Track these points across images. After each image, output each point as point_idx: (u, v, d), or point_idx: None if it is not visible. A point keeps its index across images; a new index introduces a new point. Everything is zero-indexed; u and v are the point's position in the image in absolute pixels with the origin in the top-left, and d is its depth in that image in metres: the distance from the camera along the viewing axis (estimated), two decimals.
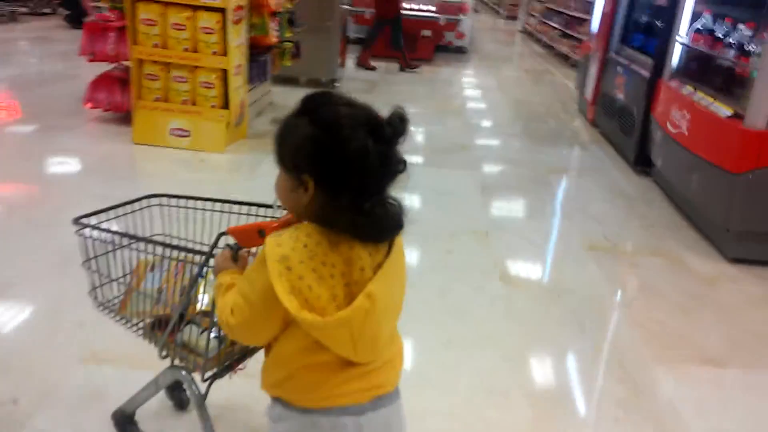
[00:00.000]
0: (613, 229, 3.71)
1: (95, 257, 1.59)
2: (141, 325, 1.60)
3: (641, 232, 3.70)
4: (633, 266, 3.28)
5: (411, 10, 9.31)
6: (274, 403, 1.20)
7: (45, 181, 3.80)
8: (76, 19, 9.70)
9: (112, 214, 1.62)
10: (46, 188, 3.66)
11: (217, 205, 1.67)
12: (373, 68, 8.33)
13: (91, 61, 4.76)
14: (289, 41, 5.61)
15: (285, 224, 1.19)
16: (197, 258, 1.44)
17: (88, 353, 2.17)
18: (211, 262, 1.34)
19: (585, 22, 9.86)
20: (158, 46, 4.34)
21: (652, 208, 4.11)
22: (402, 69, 8.44)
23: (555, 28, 11.50)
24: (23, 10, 10.67)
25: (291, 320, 1.10)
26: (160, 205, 1.67)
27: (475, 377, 2.25)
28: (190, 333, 1.49)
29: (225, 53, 4.34)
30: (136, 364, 2.04)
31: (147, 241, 1.52)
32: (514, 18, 17.70)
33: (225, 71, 4.41)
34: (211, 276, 1.37)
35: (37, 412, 1.91)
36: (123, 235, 1.56)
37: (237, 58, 4.47)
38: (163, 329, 1.51)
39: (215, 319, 1.27)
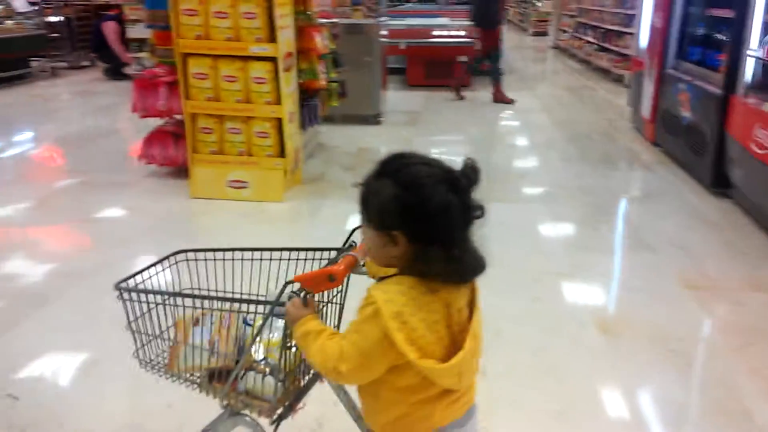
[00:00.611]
0: (704, 260, 3.48)
1: (138, 318, 1.59)
2: (195, 378, 1.59)
3: (735, 264, 3.45)
4: (738, 305, 3.04)
5: (444, 37, 9.22)
6: None
7: (106, 243, 3.72)
8: (114, 72, 9.89)
9: (146, 274, 1.63)
10: (107, 251, 3.57)
11: (245, 254, 1.68)
12: (511, 101, 8.17)
13: (144, 117, 4.74)
14: (335, 81, 5.54)
15: (350, 266, 1.42)
16: (244, 307, 1.49)
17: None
18: (279, 309, 1.39)
19: (623, 35, 9.66)
20: (211, 99, 4.29)
21: (739, 233, 3.86)
22: (497, 101, 8.26)
23: (590, 42, 11.30)
24: (63, 64, 10.92)
25: (398, 365, 1.22)
26: (186, 260, 1.71)
27: None
28: (254, 380, 1.51)
29: (278, 101, 4.27)
30: None
31: (197, 297, 1.56)
32: (541, 34, 17.53)
33: (279, 119, 4.33)
34: (259, 322, 1.45)
35: None
36: (169, 294, 1.57)
37: (290, 105, 4.40)
38: (221, 380, 1.54)
39: (273, 363, 1.46)
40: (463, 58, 8.97)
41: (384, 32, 6.98)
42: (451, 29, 9.20)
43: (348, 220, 4.11)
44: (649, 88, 5.80)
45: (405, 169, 1.22)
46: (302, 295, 1.36)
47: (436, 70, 9.16)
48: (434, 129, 6.79)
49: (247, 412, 1.56)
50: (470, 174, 1.24)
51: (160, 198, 4.44)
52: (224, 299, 1.53)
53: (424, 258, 1.20)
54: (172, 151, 4.71)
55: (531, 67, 12.25)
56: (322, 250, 1.65)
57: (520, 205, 4.44)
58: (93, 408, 2.21)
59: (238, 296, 1.59)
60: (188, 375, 1.59)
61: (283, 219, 4.16)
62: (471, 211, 1.23)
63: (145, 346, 1.63)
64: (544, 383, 2.42)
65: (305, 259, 1.66)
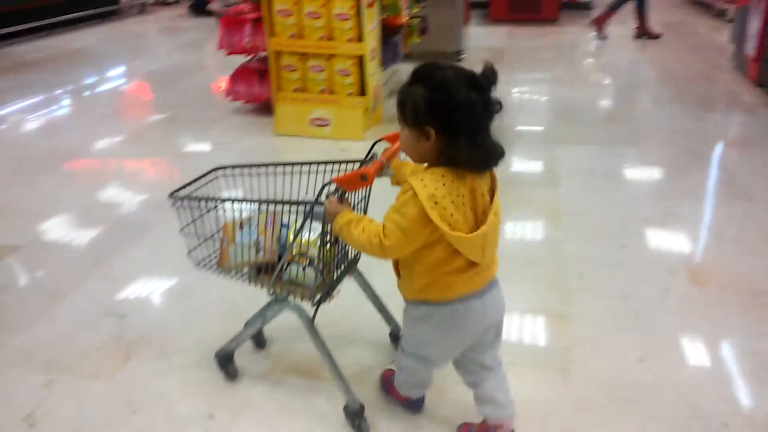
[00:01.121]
0: None
1: (190, 223, 1.87)
2: (244, 272, 1.87)
3: None
4: None
5: None
6: (417, 306, 1.64)
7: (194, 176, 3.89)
8: (199, 8, 10.04)
9: (193, 187, 1.89)
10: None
11: (277, 168, 1.90)
12: (604, 37, 7.73)
13: (230, 54, 4.82)
14: (416, 17, 5.42)
15: (379, 169, 1.68)
16: (286, 208, 1.76)
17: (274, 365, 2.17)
18: (317, 208, 1.64)
19: None
20: (294, 36, 4.30)
21: None
22: (640, 36, 7.75)
23: None
24: (150, 0, 11.18)
25: (431, 241, 1.50)
26: (225, 175, 1.95)
27: (679, 400, 2.03)
28: (296, 270, 1.80)
29: (360, 39, 4.23)
30: (314, 375, 2.02)
31: (248, 200, 1.81)
32: None
33: (360, 57, 4.31)
34: (299, 222, 1.73)
35: (233, 425, 1.93)
36: (216, 200, 1.84)
37: (372, 42, 4.35)
38: (267, 273, 1.82)
39: (311, 256, 1.75)
40: None
41: None
42: None
43: None
44: (755, 23, 5.35)
45: (434, 73, 1.46)
46: (339, 193, 1.62)
47: (520, 4, 8.77)
48: (518, 67, 6.56)
49: (290, 298, 1.85)
50: (489, 75, 1.45)
51: (245, 134, 4.57)
52: (268, 201, 1.77)
53: (451, 148, 1.45)
54: (257, 88, 4.80)
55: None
56: (346, 162, 1.89)
57: (607, 148, 4.27)
58: (189, 329, 2.37)
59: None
60: (237, 270, 1.87)
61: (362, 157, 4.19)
62: (491, 107, 1.45)
63: (198, 248, 1.91)
64: (628, 330, 2.38)
65: (332, 171, 1.86)
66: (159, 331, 2.36)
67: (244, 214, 1.84)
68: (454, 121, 1.43)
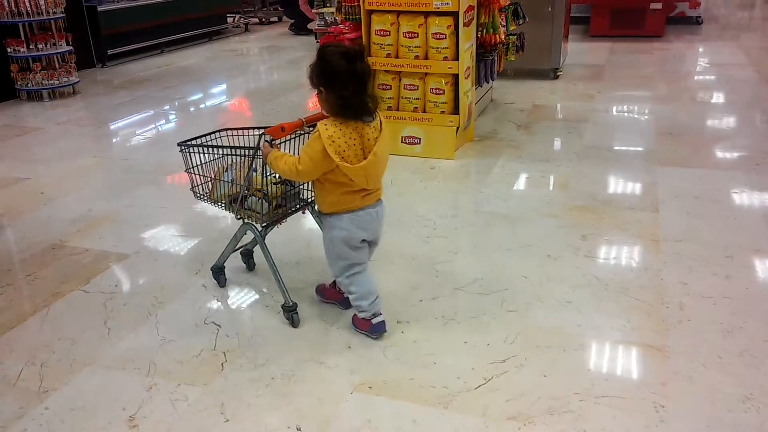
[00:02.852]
0: None
1: (194, 166, 2.66)
2: (223, 202, 2.63)
3: None
4: None
5: None
6: (329, 216, 2.34)
7: None
8: (299, 27, 10.41)
9: (199, 141, 2.64)
10: None
11: (256, 131, 2.45)
12: None
13: None
14: (513, 34, 5.37)
15: (296, 125, 2.42)
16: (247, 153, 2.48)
17: (358, 382, 2.20)
18: (259, 153, 2.38)
19: None
20: (390, 55, 4.37)
21: None
22: None
23: None
24: (254, 20, 11.73)
25: (332, 169, 2.19)
26: (227, 135, 2.65)
27: None
28: (253, 201, 2.52)
29: (455, 57, 4.24)
30: (409, 396, 2.03)
31: (221, 147, 2.56)
32: None
33: (455, 76, 4.31)
34: (258, 162, 2.42)
35: None
36: (210, 146, 2.61)
37: (466, 60, 4.35)
38: (235, 202, 2.55)
39: (266, 190, 2.49)
40: (657, 6, 8.20)
41: None
42: None
43: (519, 181, 4.03)
44: None
45: (322, 49, 2.18)
46: (269, 139, 2.35)
47: (623, 19, 8.49)
48: (619, 84, 6.35)
49: (250, 221, 2.56)
50: (358, 50, 2.14)
51: None
52: (231, 147, 2.51)
53: (339, 102, 2.14)
54: None
55: (736, 17, 10.87)
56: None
57: (713, 171, 4.04)
58: (280, 342, 2.45)
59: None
60: (220, 202, 2.62)
61: (452, 177, 4.18)
62: (357, 74, 2.11)
63: (198, 186, 2.68)
64: (731, 367, 2.23)
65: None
66: (252, 342, 2.45)
67: (230, 160, 2.55)
68: (331, 83, 2.13)
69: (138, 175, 4.30)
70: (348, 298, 2.58)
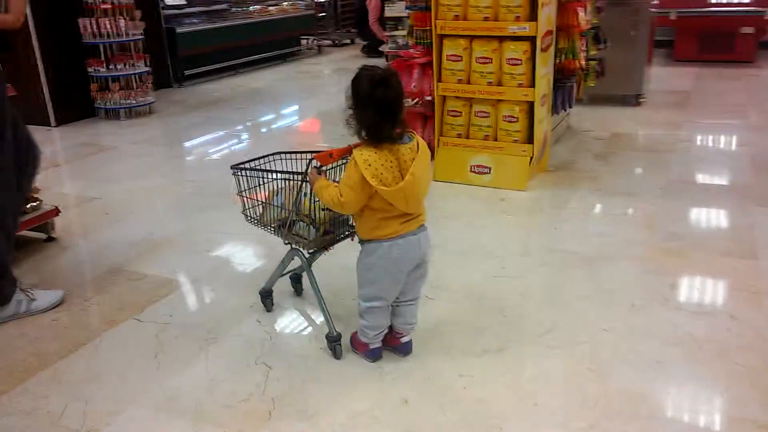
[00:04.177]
0: None
1: (244, 189, 2.60)
2: (273, 227, 2.55)
3: None
4: None
5: (726, 6, 7.94)
6: (368, 243, 2.23)
7: None
8: (371, 49, 10.39)
9: (253, 164, 2.59)
10: None
11: (309, 155, 2.35)
12: None
13: None
14: (593, 59, 5.08)
15: (344, 152, 2.25)
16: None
17: None
18: (307, 179, 2.32)
19: None
20: (462, 81, 4.19)
21: None
22: None
23: None
24: (327, 42, 11.83)
25: (372, 195, 2.11)
26: (281, 159, 2.60)
27: None
28: (301, 227, 2.46)
29: (531, 84, 4.01)
30: None
31: (271, 171, 2.51)
32: None
33: (530, 103, 4.07)
34: (307, 188, 2.35)
35: None
36: (261, 170, 2.55)
37: (543, 87, 4.11)
38: (284, 227, 2.48)
39: (314, 215, 2.40)
40: (749, 30, 7.68)
41: (654, 1, 6.20)
42: None
43: (597, 217, 3.74)
44: None
45: (357, 72, 2.14)
46: (317, 165, 2.29)
47: (711, 43, 8.00)
48: (707, 112, 5.93)
49: (298, 247, 2.52)
50: (384, 77, 2.08)
51: None
52: (281, 171, 2.46)
53: (356, 125, 2.12)
54: (420, 132, 4.74)
55: None
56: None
57: None
58: (332, 390, 2.27)
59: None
60: (270, 226, 2.55)
61: (523, 210, 3.93)
62: (379, 101, 2.05)
63: (249, 209, 2.62)
64: None
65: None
66: (303, 388, 2.28)
67: (281, 185, 2.48)
68: (356, 106, 2.11)
69: (204, 198, 4.26)
70: (408, 344, 2.43)
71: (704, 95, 6.59)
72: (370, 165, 2.06)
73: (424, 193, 2.19)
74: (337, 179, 2.45)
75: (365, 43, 10.58)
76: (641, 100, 6.21)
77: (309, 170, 2.29)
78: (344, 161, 2.38)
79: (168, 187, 4.60)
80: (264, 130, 6.41)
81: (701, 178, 4.36)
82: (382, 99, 2.04)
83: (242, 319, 2.74)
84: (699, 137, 5.24)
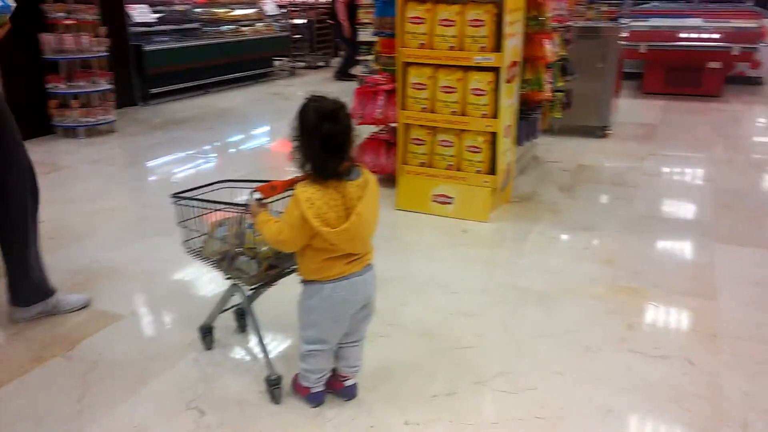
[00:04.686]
0: None
1: (186, 219, 2.40)
2: (214, 260, 2.38)
3: None
4: None
5: (694, 40, 8.07)
6: (310, 284, 2.10)
7: None
8: (342, 73, 10.36)
9: (197, 193, 2.40)
10: None
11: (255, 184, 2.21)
12: None
13: (361, 123, 4.74)
14: (560, 91, 5.07)
15: (288, 184, 2.12)
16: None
17: None
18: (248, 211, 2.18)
19: None
20: (426, 110, 4.12)
21: None
22: None
23: None
24: (301, 64, 11.77)
25: (314, 235, 1.96)
26: (227, 187, 2.41)
27: None
28: (242, 261, 2.30)
29: (495, 115, 3.95)
30: None
31: (212, 201, 2.34)
32: None
33: (493, 134, 4.02)
34: (249, 220, 2.21)
35: None
36: (202, 200, 2.36)
37: (507, 118, 4.06)
38: (224, 261, 2.35)
39: (258, 249, 2.27)
40: (716, 65, 7.80)
41: (624, 34, 6.25)
42: (703, 32, 8.02)
43: (558, 252, 3.66)
44: None
45: (305, 101, 2.02)
46: (258, 197, 2.14)
47: (679, 77, 8.11)
48: (672, 146, 5.96)
49: (238, 282, 2.38)
50: (334, 110, 1.97)
51: None
52: (222, 203, 2.31)
53: (298, 158, 2.00)
54: (383, 159, 4.66)
55: None
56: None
57: (756, 250, 3.61)
58: None
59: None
60: (210, 258, 2.39)
61: (485, 243, 3.85)
62: (325, 135, 1.94)
63: (190, 240, 2.44)
64: None
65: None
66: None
67: (224, 216, 2.35)
68: (299, 137, 1.98)
69: (158, 223, 4.08)
70: (352, 387, 2.30)
71: (670, 128, 6.64)
72: (313, 204, 1.92)
73: (371, 233, 2.07)
74: (282, 211, 2.32)
75: (337, 68, 10.54)
76: (608, 132, 6.23)
77: (250, 202, 2.16)
78: (290, 193, 2.27)
79: (122, 210, 4.43)
80: (232, 150, 6.27)
81: (664, 213, 4.34)
82: (328, 133, 1.92)
83: (179, 357, 2.59)
84: (664, 170, 5.25)
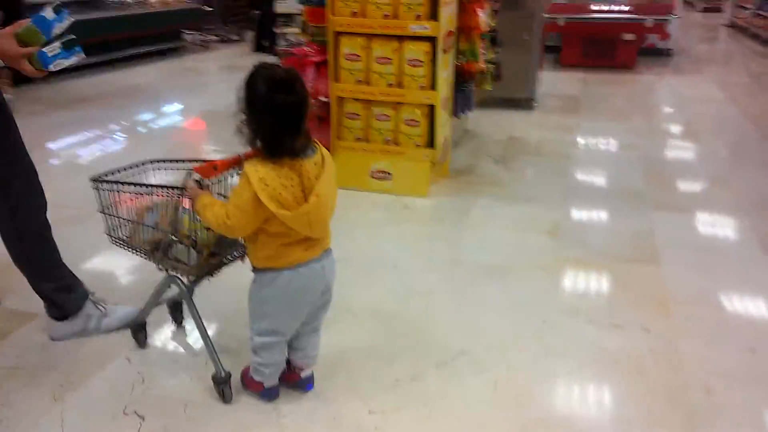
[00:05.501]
0: None
1: (108, 206, 2.14)
2: (145, 250, 2.11)
3: None
4: None
5: (608, 12, 8.27)
6: (264, 272, 1.89)
7: None
8: (262, 47, 9.91)
9: (120, 176, 2.16)
10: None
11: (189, 164, 2.11)
12: None
13: None
14: (491, 63, 5.00)
15: (233, 163, 1.92)
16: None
17: None
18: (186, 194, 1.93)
19: None
20: (361, 82, 3.93)
21: None
22: None
23: None
24: (213, 38, 11.19)
25: (268, 218, 1.76)
26: (153, 168, 2.21)
27: None
28: (179, 250, 2.04)
29: (432, 86, 3.82)
30: None
31: (141, 185, 2.09)
32: (713, 10, 15.66)
33: (431, 106, 3.89)
34: (187, 205, 1.97)
35: None
36: (127, 184, 2.11)
37: (445, 90, 3.94)
38: (158, 250, 2.08)
39: (196, 237, 2.01)
40: (630, 37, 8.03)
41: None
42: (617, 4, 8.22)
43: (501, 225, 3.60)
44: None
45: (252, 70, 1.78)
46: (196, 178, 1.90)
47: (595, 49, 8.29)
48: (597, 116, 6.05)
49: (175, 273, 2.11)
50: (288, 79, 1.75)
51: None
52: (153, 186, 2.05)
53: (249, 135, 1.78)
54: (315, 135, 4.41)
55: (705, 50, 10.82)
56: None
57: (712, 217, 3.70)
58: None
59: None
60: (140, 248, 2.13)
61: (427, 219, 3.74)
62: (280, 108, 1.72)
63: (115, 229, 2.17)
64: None
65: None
66: None
67: (155, 200, 2.08)
68: (250, 111, 1.76)
69: (64, 210, 3.68)
70: (309, 378, 2.14)
71: (592, 100, 6.76)
72: (267, 185, 1.71)
73: (330, 215, 1.88)
74: (223, 193, 2.09)
75: (259, 40, 10.05)
76: (534, 104, 6.26)
77: (187, 184, 1.92)
78: (232, 173, 2.04)
79: None
80: (143, 130, 5.82)
81: (598, 182, 4.37)
82: (282, 105, 1.70)
83: (108, 358, 2.31)
84: (592, 141, 5.32)
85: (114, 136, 5.48)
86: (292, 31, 7.52)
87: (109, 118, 5.95)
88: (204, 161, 1.99)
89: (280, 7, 9.27)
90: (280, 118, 1.71)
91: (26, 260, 2.33)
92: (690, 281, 2.95)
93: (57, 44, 2.01)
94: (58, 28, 2.02)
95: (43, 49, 1.99)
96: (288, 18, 9.20)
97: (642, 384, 2.22)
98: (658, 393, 2.18)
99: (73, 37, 2.04)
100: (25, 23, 1.99)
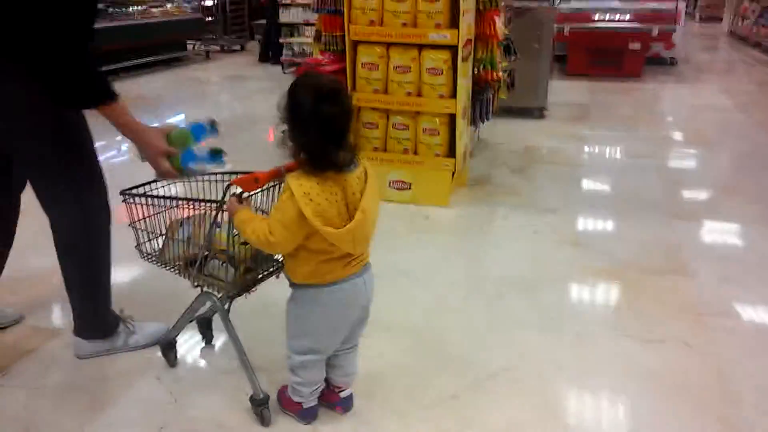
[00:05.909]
0: None
1: (139, 220, 2.09)
2: (177, 266, 2.05)
3: None
4: None
5: (611, 22, 8.28)
6: (303, 289, 1.83)
7: None
8: (265, 57, 9.87)
9: (148, 188, 2.11)
10: None
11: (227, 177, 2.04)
12: None
13: None
14: (505, 71, 4.95)
15: (274, 175, 1.83)
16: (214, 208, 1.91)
17: None
18: (224, 207, 1.86)
19: None
20: (378, 91, 3.87)
21: None
22: None
23: None
24: (215, 48, 11.16)
25: (310, 233, 1.70)
26: (183, 181, 2.14)
27: None
28: (215, 266, 1.97)
29: (453, 95, 3.77)
30: None
31: (175, 198, 2.04)
32: (712, 20, 15.74)
33: (451, 115, 3.83)
34: (226, 218, 1.88)
35: None
36: (159, 197, 2.06)
37: (464, 99, 3.89)
38: (192, 267, 1.99)
39: (231, 253, 1.93)
40: (636, 46, 8.02)
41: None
42: (623, 14, 8.23)
43: (525, 236, 3.54)
44: None
45: (296, 79, 1.74)
46: (238, 192, 1.83)
47: (601, 58, 8.28)
48: (608, 125, 6.02)
49: (211, 290, 2.02)
50: (333, 89, 1.66)
51: None
52: (189, 200, 2.00)
53: (293, 148, 1.69)
54: None
55: (707, 59, 10.85)
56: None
57: (741, 226, 3.65)
58: None
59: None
60: (172, 263, 2.06)
61: (450, 230, 3.68)
62: (325, 119, 1.64)
63: (146, 243, 2.12)
64: None
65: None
66: None
67: (188, 214, 2.03)
68: (294, 122, 1.67)
69: None
70: (348, 398, 2.06)
71: (601, 108, 6.73)
72: (311, 200, 1.64)
73: (373, 231, 1.79)
74: (262, 207, 2.02)
75: (265, 49, 9.99)
76: (544, 112, 6.22)
77: (227, 198, 1.85)
78: (270, 186, 1.97)
79: (29, 211, 3.89)
80: None
81: (615, 191, 4.32)
82: (329, 117, 1.63)
83: (137, 377, 2.24)
84: (605, 150, 5.28)
85: (120, 146, 5.39)
86: (297, 41, 7.47)
87: (112, 128, 5.85)
88: (242, 173, 1.92)
89: (283, 17, 9.25)
90: (326, 131, 1.64)
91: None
92: (722, 292, 2.89)
93: (206, 149, 2.08)
94: (206, 140, 2.12)
95: (191, 148, 2.07)
96: (292, 28, 9.18)
97: (690, 402, 2.16)
98: (709, 412, 2.11)
99: (222, 149, 2.10)
100: (180, 127, 2.12)
